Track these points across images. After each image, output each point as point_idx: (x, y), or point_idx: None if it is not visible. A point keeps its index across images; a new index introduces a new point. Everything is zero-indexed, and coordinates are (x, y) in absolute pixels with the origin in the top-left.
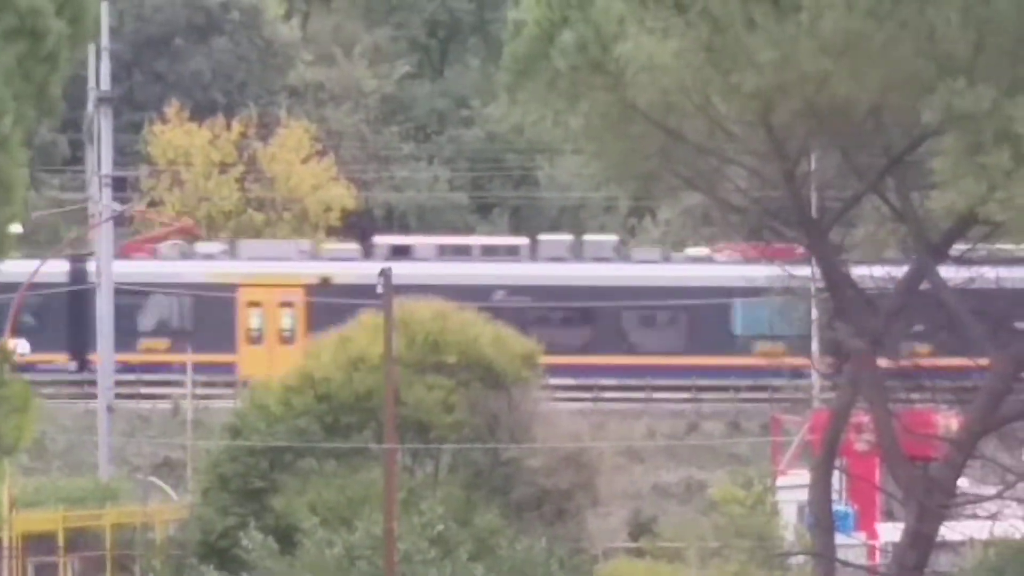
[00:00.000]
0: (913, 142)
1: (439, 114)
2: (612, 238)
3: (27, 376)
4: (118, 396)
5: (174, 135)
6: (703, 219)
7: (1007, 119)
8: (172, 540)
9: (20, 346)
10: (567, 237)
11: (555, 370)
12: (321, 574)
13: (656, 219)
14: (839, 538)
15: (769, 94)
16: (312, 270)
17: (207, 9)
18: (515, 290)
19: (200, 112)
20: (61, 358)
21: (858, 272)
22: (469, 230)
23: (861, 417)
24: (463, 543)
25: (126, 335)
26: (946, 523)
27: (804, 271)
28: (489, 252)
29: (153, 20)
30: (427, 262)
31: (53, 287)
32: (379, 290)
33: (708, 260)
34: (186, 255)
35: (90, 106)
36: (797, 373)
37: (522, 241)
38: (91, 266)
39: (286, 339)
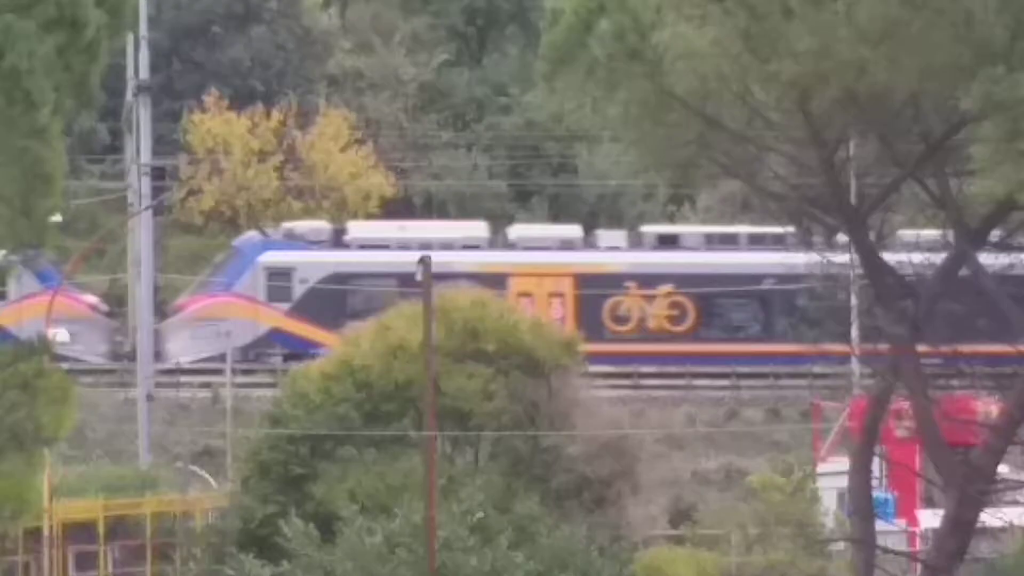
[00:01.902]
0: (951, 129)
1: (478, 102)
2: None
3: None
4: (158, 385)
5: (213, 124)
6: (743, 206)
7: None
8: (212, 528)
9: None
10: None
11: None
12: (361, 562)
13: (695, 206)
14: (879, 525)
15: (807, 82)
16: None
17: None
18: None
19: (239, 101)
20: None
21: (897, 258)
22: (508, 218)
23: (901, 404)
24: (503, 531)
25: None
26: (986, 509)
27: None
28: None
29: (192, 9)
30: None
31: None
32: (418, 277)
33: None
34: None
35: (129, 95)
36: None
37: None
38: None
39: None
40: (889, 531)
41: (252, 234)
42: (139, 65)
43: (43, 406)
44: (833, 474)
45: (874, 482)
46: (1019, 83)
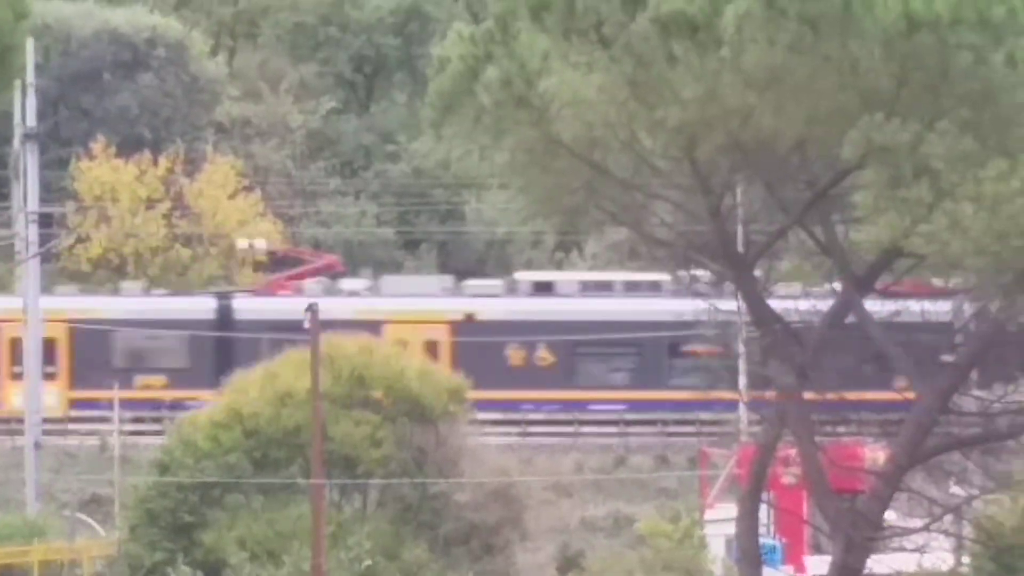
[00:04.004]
0: (837, 176)
1: (365, 149)
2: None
3: None
4: (45, 433)
5: (101, 171)
6: (630, 253)
7: (926, 154)
8: None
9: None
10: None
11: None
12: None
13: (583, 253)
14: (767, 571)
15: (693, 129)
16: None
17: (133, 45)
18: None
19: (127, 148)
20: None
21: (784, 305)
22: (396, 266)
23: (788, 450)
24: None
25: None
26: (873, 556)
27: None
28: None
29: (79, 56)
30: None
31: None
32: (306, 325)
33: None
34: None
35: (16, 142)
36: None
37: None
38: None
39: None
40: None
41: None
42: (26, 112)
43: None
44: (721, 521)
45: (762, 529)
46: (899, 130)
